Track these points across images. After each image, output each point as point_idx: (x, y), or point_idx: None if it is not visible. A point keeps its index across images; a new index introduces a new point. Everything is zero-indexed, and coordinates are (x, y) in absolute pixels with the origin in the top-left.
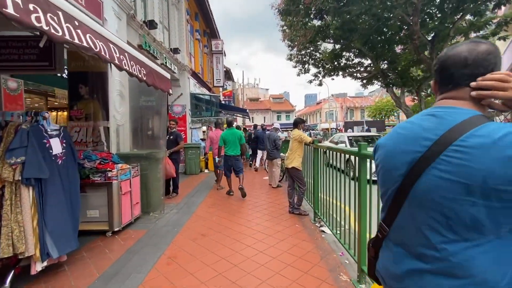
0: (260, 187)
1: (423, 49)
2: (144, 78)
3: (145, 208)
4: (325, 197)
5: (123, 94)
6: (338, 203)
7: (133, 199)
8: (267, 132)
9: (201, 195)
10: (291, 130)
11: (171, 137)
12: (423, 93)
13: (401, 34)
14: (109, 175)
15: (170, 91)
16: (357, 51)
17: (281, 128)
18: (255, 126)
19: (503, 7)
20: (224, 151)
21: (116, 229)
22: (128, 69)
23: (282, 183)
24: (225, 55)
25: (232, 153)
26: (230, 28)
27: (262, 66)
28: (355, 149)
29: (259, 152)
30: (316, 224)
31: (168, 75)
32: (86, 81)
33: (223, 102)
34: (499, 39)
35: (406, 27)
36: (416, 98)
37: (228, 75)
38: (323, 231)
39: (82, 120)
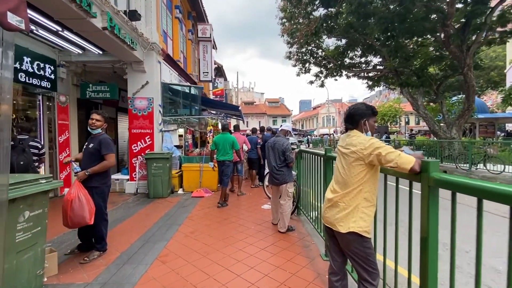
0: (256, 226)
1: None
2: None
3: None
4: None
5: None
6: None
7: None
8: (272, 140)
9: (157, 244)
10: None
11: (91, 145)
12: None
13: (430, 20)
14: None
15: (12, 20)
16: (365, 46)
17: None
18: (262, 128)
19: None
20: (216, 157)
21: None
22: None
23: (294, 219)
24: (215, 48)
25: (221, 158)
26: (225, 34)
27: (256, 72)
28: None
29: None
30: None
31: None
32: None
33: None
34: None
35: (434, 13)
36: (427, 102)
37: (220, 72)
38: None
39: None
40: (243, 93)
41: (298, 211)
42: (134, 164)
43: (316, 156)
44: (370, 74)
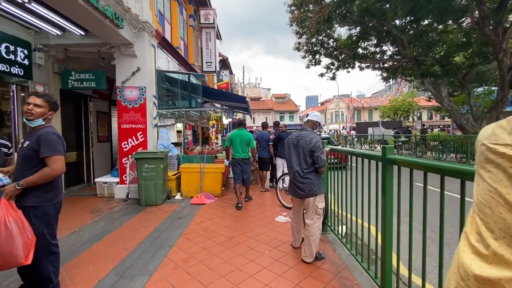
0: (272, 250)
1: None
2: None
3: None
4: None
5: None
6: None
7: None
8: (294, 135)
9: (134, 282)
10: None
11: (26, 143)
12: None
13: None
14: None
15: None
16: (383, 34)
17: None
18: (276, 123)
19: None
20: (232, 154)
21: None
22: None
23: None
24: (220, 38)
25: (240, 156)
26: (231, 30)
27: (262, 68)
28: None
29: (279, 162)
30: None
31: None
32: None
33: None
34: None
35: None
36: (432, 98)
37: (225, 65)
38: None
39: None
40: (249, 89)
41: (324, 227)
42: (125, 165)
43: (365, 159)
44: (386, 65)
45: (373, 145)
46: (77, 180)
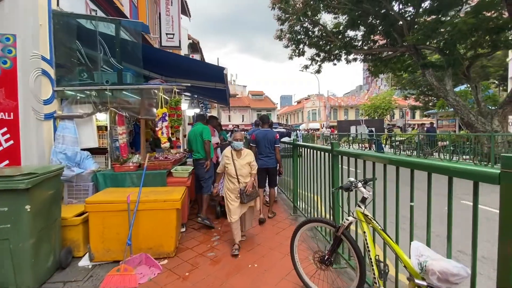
0: None
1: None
2: None
3: None
4: None
5: None
6: None
7: None
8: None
9: None
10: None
11: None
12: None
13: None
14: None
15: None
16: (378, 20)
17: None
18: (264, 119)
19: None
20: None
21: None
22: None
23: None
24: (189, 14)
25: (195, 156)
26: (205, 27)
27: (237, 67)
28: None
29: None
30: None
31: None
32: None
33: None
34: None
35: None
36: (408, 96)
37: (196, 50)
38: None
39: None
40: None
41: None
42: None
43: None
44: (381, 55)
45: (363, 145)
46: None
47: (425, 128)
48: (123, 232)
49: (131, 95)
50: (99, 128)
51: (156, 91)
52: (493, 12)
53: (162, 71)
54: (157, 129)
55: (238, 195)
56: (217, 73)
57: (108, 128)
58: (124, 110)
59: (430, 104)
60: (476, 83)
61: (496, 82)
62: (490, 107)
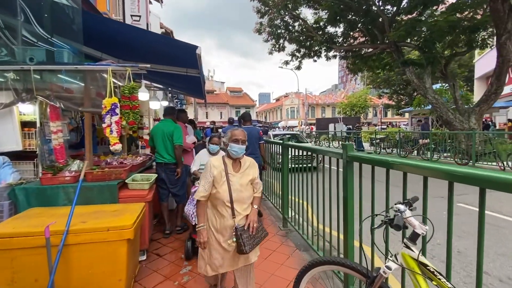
0: None
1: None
2: None
3: None
4: None
5: None
6: None
7: None
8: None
9: None
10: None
11: None
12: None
13: None
14: None
15: None
16: (359, 16)
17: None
18: (244, 116)
19: None
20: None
21: None
22: None
23: None
24: (161, 0)
25: (162, 160)
26: (182, 21)
27: (215, 63)
28: None
29: None
30: None
31: None
32: None
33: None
34: None
35: None
36: (382, 95)
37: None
38: None
39: None
40: None
41: None
42: None
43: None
44: (362, 52)
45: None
46: None
47: (420, 125)
48: (45, 278)
49: (71, 79)
50: (25, 124)
51: (104, 74)
52: (469, 11)
53: (120, 54)
54: (104, 125)
55: (233, 238)
56: (189, 56)
57: (38, 125)
58: (59, 100)
59: (403, 103)
60: (454, 82)
61: (461, 83)
62: (466, 106)
